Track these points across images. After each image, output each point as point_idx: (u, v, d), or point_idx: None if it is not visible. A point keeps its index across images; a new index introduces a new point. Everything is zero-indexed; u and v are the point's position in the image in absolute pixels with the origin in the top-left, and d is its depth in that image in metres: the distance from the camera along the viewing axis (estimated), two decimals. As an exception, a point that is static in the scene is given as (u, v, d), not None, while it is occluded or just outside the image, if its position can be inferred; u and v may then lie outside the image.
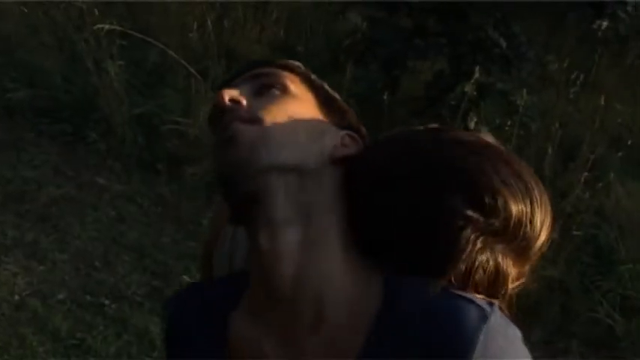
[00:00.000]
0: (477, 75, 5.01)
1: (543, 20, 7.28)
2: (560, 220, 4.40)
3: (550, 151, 5.35)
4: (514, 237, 1.17)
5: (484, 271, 1.16)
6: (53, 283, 4.25)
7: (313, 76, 1.29)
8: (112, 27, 5.52)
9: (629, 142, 5.98)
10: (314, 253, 1.14)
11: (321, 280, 1.13)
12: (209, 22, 6.02)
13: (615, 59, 7.31)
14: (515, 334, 1.12)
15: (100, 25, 5.51)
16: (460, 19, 5.39)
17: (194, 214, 4.92)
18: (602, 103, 5.87)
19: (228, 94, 1.20)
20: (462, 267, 1.12)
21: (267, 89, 1.23)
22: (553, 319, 4.58)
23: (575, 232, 4.91)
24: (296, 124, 1.18)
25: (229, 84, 1.26)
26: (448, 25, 5.41)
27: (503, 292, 1.19)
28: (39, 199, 4.85)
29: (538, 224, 1.20)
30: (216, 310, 1.25)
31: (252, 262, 1.19)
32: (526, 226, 1.18)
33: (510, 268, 1.20)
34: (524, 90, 5.27)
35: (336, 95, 1.29)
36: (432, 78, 5.48)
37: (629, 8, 4.93)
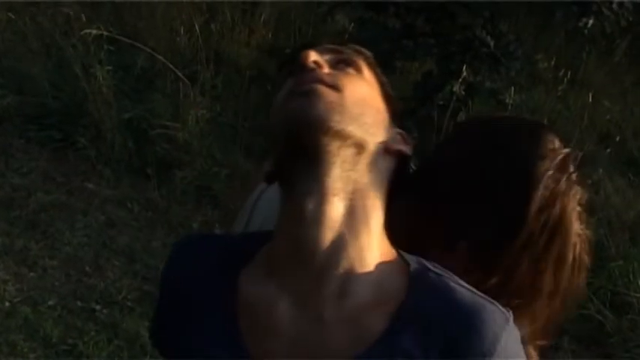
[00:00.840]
0: (464, 74, 5.03)
1: (531, 19, 7.30)
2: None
3: (539, 149, 5.36)
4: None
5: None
6: (44, 289, 4.25)
7: (379, 69, 1.33)
8: (100, 32, 5.52)
9: (618, 139, 6.01)
10: (354, 229, 1.18)
11: (356, 254, 1.17)
12: (197, 26, 6.02)
13: (603, 57, 7.34)
14: (519, 337, 1.19)
15: (87, 31, 5.51)
16: (448, 19, 5.40)
17: (184, 218, 4.92)
18: (590, 100, 5.90)
19: (314, 55, 1.22)
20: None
21: (344, 65, 1.26)
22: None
23: (564, 230, 4.92)
24: (367, 105, 1.22)
25: (308, 48, 1.26)
26: (436, 26, 5.42)
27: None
28: (28, 205, 4.84)
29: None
30: (228, 263, 1.27)
31: (286, 222, 1.20)
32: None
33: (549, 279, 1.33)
34: (513, 88, 5.29)
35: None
36: (421, 78, 5.48)
37: (615, 6, 4.93)
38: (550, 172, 1.33)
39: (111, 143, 5.26)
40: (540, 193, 1.32)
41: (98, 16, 6.10)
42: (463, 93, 5.18)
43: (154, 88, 5.67)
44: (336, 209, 1.17)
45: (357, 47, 1.32)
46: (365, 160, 1.20)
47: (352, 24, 5.68)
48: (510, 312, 1.16)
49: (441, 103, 5.17)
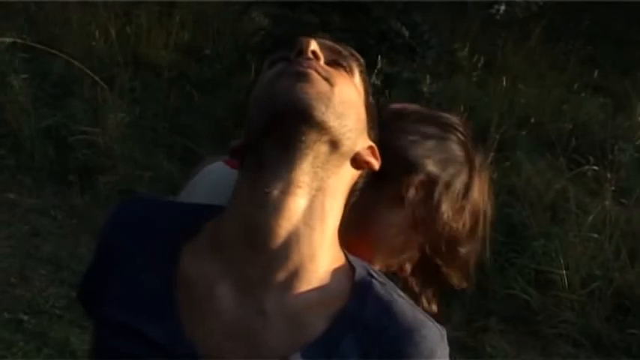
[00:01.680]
0: (379, 65, 5.09)
1: (447, 8, 7.41)
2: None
3: (458, 134, 5.44)
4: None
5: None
6: (-30, 302, 4.19)
7: (368, 79, 1.33)
8: (14, 40, 5.46)
9: (536, 122, 6.14)
10: (310, 225, 1.17)
11: (307, 251, 1.17)
12: (112, 31, 5.99)
13: (518, 42, 7.48)
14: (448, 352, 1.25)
15: (0, 39, 5.44)
16: (363, 12, 5.46)
17: (109, 223, 4.88)
18: (505, 84, 6.01)
19: (314, 45, 1.21)
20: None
21: (338, 65, 1.24)
22: (471, 299, 4.67)
23: (487, 213, 5.00)
24: (351, 108, 1.21)
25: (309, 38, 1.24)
26: (351, 19, 5.47)
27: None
28: (-50, 219, 4.77)
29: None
30: (172, 232, 1.24)
31: (243, 203, 1.18)
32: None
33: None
34: (428, 77, 5.37)
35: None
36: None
37: (525, -9, 5.04)
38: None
39: (31, 152, 5.20)
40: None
41: (12, 24, 6.03)
42: (380, 84, 5.24)
43: (72, 94, 5.63)
44: (297, 202, 1.16)
45: (353, 51, 1.30)
46: (335, 161, 1.19)
47: (268, 21, 5.71)
48: (444, 329, 1.21)
49: (359, 94, 5.21)
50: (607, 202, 5.14)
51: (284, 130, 1.14)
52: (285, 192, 1.15)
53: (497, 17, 5.22)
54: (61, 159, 5.23)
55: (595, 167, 5.58)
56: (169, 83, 5.90)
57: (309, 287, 1.18)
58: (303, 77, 1.16)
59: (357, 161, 1.23)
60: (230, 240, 1.18)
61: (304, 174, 1.16)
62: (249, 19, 6.35)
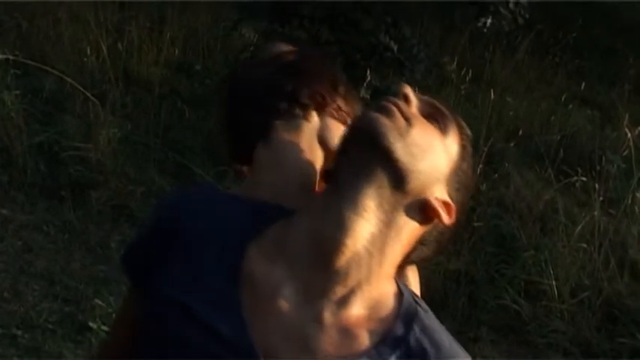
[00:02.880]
0: (368, 79, 5.14)
1: (435, 22, 7.47)
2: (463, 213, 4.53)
3: (448, 147, 5.48)
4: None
5: None
6: (-37, 317, 4.20)
7: (469, 148, 1.36)
8: (6, 57, 5.49)
9: (525, 134, 6.18)
10: (371, 251, 1.24)
11: (367, 272, 1.24)
12: (104, 47, 6.03)
13: (506, 55, 7.54)
14: None
15: (-7, 56, 5.48)
16: (351, 26, 5.50)
17: (102, 238, 4.91)
18: (493, 97, 6.06)
19: (408, 90, 1.30)
20: None
21: (432, 119, 1.31)
22: (462, 310, 4.71)
23: (477, 224, 5.06)
24: (427, 153, 1.26)
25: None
26: (340, 34, 5.51)
27: None
28: (-57, 235, 4.79)
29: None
30: (241, 226, 1.30)
31: (315, 214, 1.25)
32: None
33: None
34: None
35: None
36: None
37: (511, 5, 5.09)
38: None
39: (23, 168, 5.23)
40: None
41: (4, 41, 6.06)
42: (369, 98, 5.29)
43: (64, 110, 5.66)
44: (363, 226, 1.22)
45: (461, 121, 1.36)
46: (400, 197, 1.24)
47: (257, 37, 5.75)
48: None
49: (348, 108, 5.25)
50: (595, 213, 5.18)
51: (355, 153, 1.24)
52: (354, 213, 1.22)
53: (485, 31, 5.27)
54: (54, 175, 5.26)
55: (583, 178, 5.63)
56: (160, 99, 5.94)
57: (363, 305, 1.25)
58: (386, 111, 1.24)
59: (425, 209, 1.27)
60: (297, 247, 1.24)
61: (370, 200, 1.23)
62: (239, 35, 6.39)
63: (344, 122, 1.50)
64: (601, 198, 5.35)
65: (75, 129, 5.47)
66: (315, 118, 1.50)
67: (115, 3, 6.82)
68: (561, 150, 6.03)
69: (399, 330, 1.25)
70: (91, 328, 4.14)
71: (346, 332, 1.23)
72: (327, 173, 1.34)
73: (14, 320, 4.21)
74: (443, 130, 1.31)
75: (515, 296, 4.79)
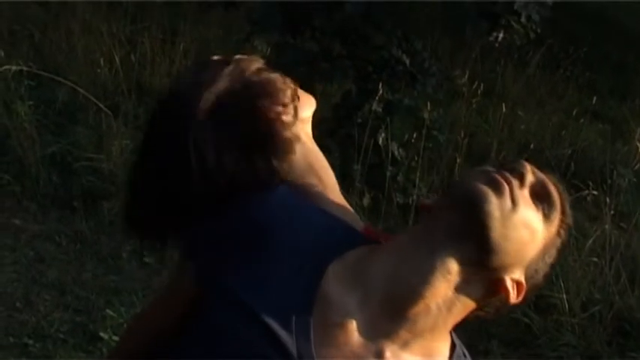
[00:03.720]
0: (380, 92, 5.15)
1: (447, 36, 7.49)
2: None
3: (459, 160, 5.51)
4: None
5: None
6: (-25, 327, 4.22)
7: (564, 237, 1.43)
8: (20, 67, 5.53)
9: (532, 147, 6.18)
10: (440, 307, 1.29)
11: (430, 324, 1.30)
12: (117, 58, 6.06)
13: (518, 69, 7.56)
14: None
15: (7, 67, 5.50)
16: (363, 40, 5.52)
17: (114, 249, 4.92)
18: (505, 111, 6.07)
19: (527, 173, 1.35)
20: None
21: (540, 202, 1.36)
22: (472, 323, 4.67)
23: (488, 237, 5.04)
24: (519, 239, 1.32)
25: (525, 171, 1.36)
26: (352, 47, 5.53)
27: None
28: (-45, 244, 4.81)
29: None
30: (324, 244, 1.33)
31: (401, 259, 1.30)
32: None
33: None
34: (429, 104, 5.42)
35: None
36: (340, 98, 5.59)
37: (523, 19, 5.10)
38: None
39: (36, 178, 5.25)
40: None
41: (17, 52, 6.10)
42: (381, 111, 5.30)
43: (77, 121, 5.69)
44: (444, 285, 1.28)
45: (567, 208, 1.43)
46: (476, 268, 1.30)
47: (270, 49, 5.77)
48: None
49: (360, 121, 5.27)
50: (606, 227, 5.17)
51: (455, 216, 1.28)
52: (439, 272, 1.28)
53: (496, 45, 5.27)
54: (66, 185, 5.28)
55: (594, 192, 5.62)
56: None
57: (420, 351, 1.31)
58: (496, 187, 1.28)
59: (497, 285, 1.33)
60: (376, 283, 1.29)
61: (456, 264, 1.29)
62: (251, 47, 6.41)
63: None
64: (612, 212, 5.34)
65: (87, 140, 5.49)
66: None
67: (127, 15, 6.86)
68: (572, 164, 6.02)
69: None
70: (102, 339, 4.15)
71: None
72: (425, 208, 1.39)
73: (26, 330, 4.23)
74: (546, 215, 1.37)
75: (526, 310, 4.77)
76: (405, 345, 1.29)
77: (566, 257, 5.02)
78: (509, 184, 1.29)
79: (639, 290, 4.92)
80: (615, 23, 9.30)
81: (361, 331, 1.26)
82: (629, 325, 4.73)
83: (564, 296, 4.73)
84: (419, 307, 1.28)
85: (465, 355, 1.38)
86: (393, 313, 1.28)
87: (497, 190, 1.28)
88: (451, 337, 1.37)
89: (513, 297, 1.34)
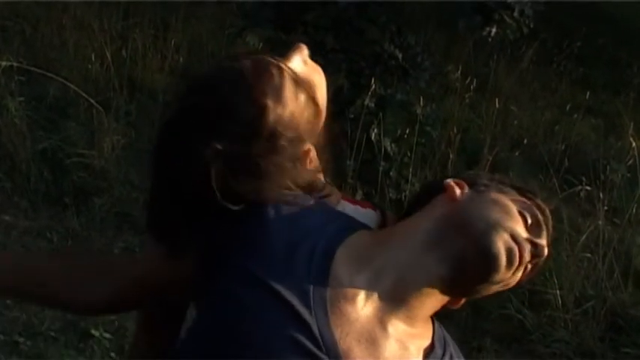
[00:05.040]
0: (373, 87, 5.13)
1: (440, 31, 7.47)
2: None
3: (452, 156, 5.50)
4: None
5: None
6: (-35, 324, 4.19)
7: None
8: (10, 63, 5.49)
9: (525, 142, 6.18)
10: (440, 297, 1.44)
11: (430, 309, 1.44)
12: (108, 54, 6.03)
13: (511, 64, 7.54)
14: None
15: (-4, 62, 5.48)
16: (356, 34, 5.50)
17: (105, 245, 4.90)
18: (498, 106, 6.06)
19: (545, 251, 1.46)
20: None
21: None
22: (465, 319, 4.69)
23: (481, 233, 5.03)
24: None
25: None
26: (345, 41, 5.50)
27: None
28: (-54, 241, 4.78)
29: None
30: (331, 227, 1.44)
31: (410, 258, 1.42)
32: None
33: None
34: (421, 99, 5.41)
35: None
36: (333, 93, 5.56)
37: (516, 14, 5.08)
38: None
39: (27, 174, 5.22)
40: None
41: (8, 47, 6.06)
42: (374, 106, 5.28)
43: (68, 117, 5.66)
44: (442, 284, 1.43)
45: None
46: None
47: (262, 44, 5.74)
48: None
49: (352, 116, 5.25)
50: (600, 222, 5.17)
51: (466, 248, 1.40)
52: (439, 278, 1.41)
53: (490, 40, 5.26)
54: (57, 181, 5.25)
55: (588, 187, 5.61)
56: (164, 106, 5.93)
57: (418, 324, 1.42)
58: (511, 259, 1.40)
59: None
60: (385, 271, 1.40)
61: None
62: (243, 42, 6.39)
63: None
64: (605, 207, 5.34)
65: (79, 136, 5.47)
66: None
67: (119, 10, 6.83)
68: (566, 159, 6.02)
69: (439, 350, 1.45)
70: (93, 336, 4.13)
71: (402, 344, 1.39)
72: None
73: (16, 327, 4.20)
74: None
75: (519, 306, 4.77)
76: (404, 320, 1.39)
77: (559, 253, 5.02)
78: (522, 259, 1.41)
79: (632, 286, 4.92)
80: (609, 18, 9.29)
81: (369, 308, 1.36)
82: (622, 320, 4.72)
83: (557, 292, 4.73)
84: (420, 298, 1.40)
85: (441, 328, 1.49)
86: (397, 296, 1.39)
87: (510, 265, 1.40)
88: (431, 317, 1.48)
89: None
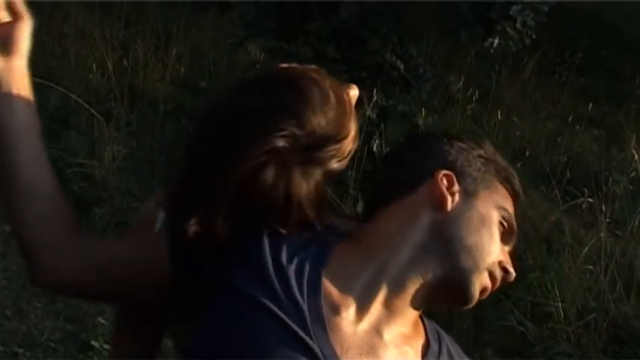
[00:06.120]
0: (375, 98, 5.12)
1: (442, 42, 7.47)
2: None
3: (454, 167, 5.47)
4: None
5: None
6: (-36, 335, 4.18)
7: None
8: (11, 73, 5.48)
9: (527, 153, 6.17)
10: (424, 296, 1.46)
11: (416, 305, 1.45)
12: (110, 63, 6.03)
13: (513, 75, 7.53)
14: None
15: (-2, 72, 5.46)
16: (358, 45, 5.49)
17: (105, 255, 4.88)
18: (500, 117, 6.05)
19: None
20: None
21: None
22: (467, 331, 4.67)
23: (482, 245, 5.02)
24: None
25: None
26: (347, 52, 5.50)
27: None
28: (-55, 251, 4.76)
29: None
30: (320, 239, 1.42)
31: (382, 268, 1.40)
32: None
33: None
34: (423, 110, 5.40)
35: None
36: (334, 105, 5.55)
37: (518, 25, 5.07)
38: None
39: (27, 184, 5.20)
40: None
41: (9, 58, 6.05)
42: (376, 117, 5.27)
43: (69, 127, 5.65)
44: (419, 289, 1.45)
45: None
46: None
47: (264, 54, 5.75)
48: None
49: (355, 127, 5.23)
50: (602, 234, 5.15)
51: (441, 284, 1.42)
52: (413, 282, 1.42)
53: (492, 51, 5.25)
54: (58, 191, 5.23)
55: (590, 199, 5.60)
56: (165, 116, 5.93)
57: (409, 325, 1.43)
58: (485, 294, 1.48)
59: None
60: (373, 278, 1.40)
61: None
62: (244, 52, 6.39)
63: None
64: (607, 219, 5.32)
65: (79, 145, 5.46)
66: None
67: (120, 19, 6.83)
68: (568, 170, 6.01)
69: (435, 346, 1.44)
70: (93, 347, 4.12)
71: (401, 349, 1.39)
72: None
73: (16, 338, 4.18)
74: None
75: (521, 318, 4.75)
76: (397, 326, 1.40)
77: (561, 265, 5.00)
78: (494, 286, 1.47)
79: (635, 298, 4.90)
80: (611, 29, 9.28)
81: (364, 320, 1.37)
82: (624, 333, 4.70)
83: (559, 304, 4.71)
84: (410, 304, 1.41)
85: (430, 321, 1.49)
86: (389, 305, 1.39)
87: (481, 296, 1.46)
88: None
89: None
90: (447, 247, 1.42)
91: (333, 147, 1.37)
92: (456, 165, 1.47)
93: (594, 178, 5.95)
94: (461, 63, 7.23)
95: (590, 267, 4.99)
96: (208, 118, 1.40)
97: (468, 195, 1.45)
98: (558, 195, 5.65)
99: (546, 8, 5.20)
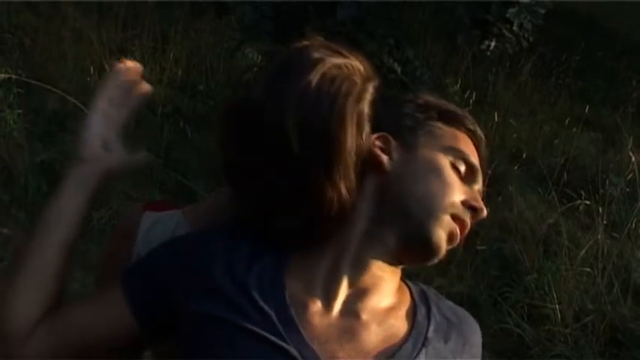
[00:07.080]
0: (372, 100, 5.12)
1: (439, 44, 7.47)
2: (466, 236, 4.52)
3: (451, 170, 5.48)
4: None
5: None
6: (-39, 338, 4.16)
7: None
8: (9, 75, 5.49)
9: (524, 156, 6.17)
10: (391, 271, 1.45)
11: (390, 280, 1.43)
12: (107, 66, 6.02)
13: (509, 77, 7.54)
14: None
15: (-5, 75, 5.47)
16: (354, 48, 5.49)
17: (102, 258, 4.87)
18: (497, 120, 6.05)
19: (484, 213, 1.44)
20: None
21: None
22: (464, 333, 4.67)
23: (480, 247, 5.04)
24: None
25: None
26: (343, 55, 5.49)
27: None
28: (-57, 254, 4.76)
29: None
30: (265, 264, 1.37)
31: (340, 258, 1.37)
32: None
33: None
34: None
35: None
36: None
37: (515, 28, 5.07)
38: None
39: (25, 187, 5.21)
40: None
41: (6, 60, 6.06)
42: (373, 119, 5.27)
43: (66, 130, 5.64)
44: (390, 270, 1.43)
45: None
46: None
47: (261, 57, 5.75)
48: None
49: (352, 129, 5.23)
50: (599, 236, 5.16)
51: (404, 246, 1.39)
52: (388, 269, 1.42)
53: (489, 53, 5.25)
54: (55, 194, 5.23)
55: (587, 201, 5.61)
56: (163, 119, 5.93)
57: (390, 295, 1.39)
58: (456, 238, 1.40)
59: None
60: (335, 264, 1.37)
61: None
62: (242, 55, 6.39)
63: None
64: (604, 221, 5.34)
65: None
66: None
67: (118, 22, 6.83)
68: (565, 173, 6.02)
69: (422, 309, 1.40)
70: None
71: (384, 323, 1.35)
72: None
73: (13, 341, 4.17)
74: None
75: (519, 320, 4.76)
76: (375, 301, 1.37)
77: (558, 267, 5.01)
78: (464, 233, 1.41)
79: (632, 300, 4.91)
80: (608, 31, 9.30)
81: (336, 308, 1.34)
82: (621, 335, 4.71)
83: (557, 306, 4.72)
84: (381, 276, 1.38)
85: (418, 286, 1.47)
86: (358, 284, 1.36)
87: (452, 242, 1.40)
88: (402, 279, 1.46)
89: None
90: (397, 206, 1.37)
91: None
92: (388, 124, 1.42)
93: (591, 181, 5.96)
94: (458, 65, 7.23)
95: (588, 269, 5.00)
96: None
97: (409, 147, 1.41)
98: (555, 197, 5.66)
99: (543, 11, 5.20)
